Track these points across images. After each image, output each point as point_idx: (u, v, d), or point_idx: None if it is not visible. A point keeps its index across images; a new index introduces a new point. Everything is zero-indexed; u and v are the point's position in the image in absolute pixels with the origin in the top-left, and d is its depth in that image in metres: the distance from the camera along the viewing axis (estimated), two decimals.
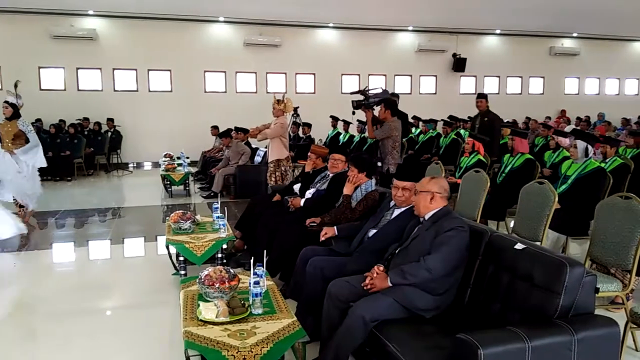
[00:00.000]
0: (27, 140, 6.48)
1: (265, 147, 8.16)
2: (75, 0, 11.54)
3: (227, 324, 2.48)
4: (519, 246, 2.49)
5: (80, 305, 4.08)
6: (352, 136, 10.97)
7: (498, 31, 15.19)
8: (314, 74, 14.07)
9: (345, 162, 4.68)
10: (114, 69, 12.67)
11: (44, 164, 6.62)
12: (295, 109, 10.66)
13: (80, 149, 11.21)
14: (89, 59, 12.41)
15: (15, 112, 6.46)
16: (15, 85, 6.61)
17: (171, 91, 13.12)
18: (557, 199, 3.90)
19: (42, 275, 5.00)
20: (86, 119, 12.21)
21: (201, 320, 2.50)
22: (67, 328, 3.61)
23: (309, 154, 5.38)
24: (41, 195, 6.87)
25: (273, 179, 6.81)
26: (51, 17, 11.86)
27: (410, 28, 14.49)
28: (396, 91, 13.17)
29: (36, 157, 6.53)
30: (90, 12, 12.13)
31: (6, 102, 6.45)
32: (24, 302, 4.27)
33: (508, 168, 5.63)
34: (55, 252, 5.79)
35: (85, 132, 11.94)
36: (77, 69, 12.48)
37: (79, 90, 12.54)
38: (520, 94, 16.10)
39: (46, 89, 12.34)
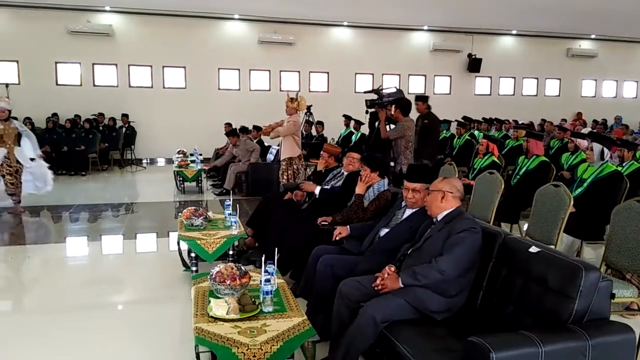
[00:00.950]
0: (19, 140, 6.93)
1: (278, 145, 8.17)
2: None
3: (237, 321, 2.48)
4: (533, 249, 2.45)
5: (91, 299, 4.11)
6: (363, 135, 10.94)
7: (514, 32, 15.05)
8: (327, 73, 14.06)
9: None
10: (129, 65, 12.77)
11: (34, 154, 7.16)
12: (309, 108, 10.65)
13: (95, 144, 11.32)
14: (105, 55, 12.53)
15: (9, 114, 6.90)
16: (6, 86, 6.88)
17: (185, 88, 13.19)
18: (572, 203, 3.84)
19: (55, 268, 5.06)
20: (101, 115, 12.32)
21: (212, 317, 2.51)
22: (79, 321, 3.64)
23: (321, 152, 5.37)
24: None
25: (285, 177, 6.81)
26: (68, 12, 11.99)
27: (425, 28, 14.41)
28: (410, 91, 13.12)
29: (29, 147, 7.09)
30: (107, 8, 12.23)
31: (3, 106, 6.80)
32: (37, 294, 4.31)
33: (523, 170, 5.57)
34: (69, 246, 5.85)
35: (100, 128, 12.05)
36: (93, 64, 12.59)
37: (94, 85, 12.67)
38: (536, 95, 15.93)
39: (62, 84, 12.48)
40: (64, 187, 9.46)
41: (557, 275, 2.25)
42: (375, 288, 2.70)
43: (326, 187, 4.74)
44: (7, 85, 6.91)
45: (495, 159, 5.99)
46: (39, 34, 12.02)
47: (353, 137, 10.81)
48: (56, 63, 12.37)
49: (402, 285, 2.64)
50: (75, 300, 4.09)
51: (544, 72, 15.76)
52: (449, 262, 2.57)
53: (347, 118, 11.17)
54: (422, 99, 6.72)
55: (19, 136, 6.89)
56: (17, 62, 12.08)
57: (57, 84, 12.43)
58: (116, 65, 12.70)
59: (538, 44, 15.34)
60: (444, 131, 10.09)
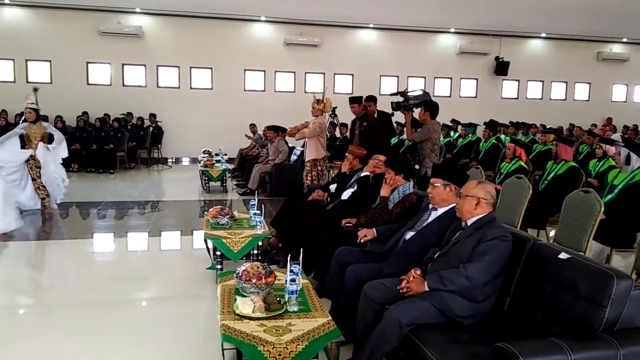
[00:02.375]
0: (50, 139, 6.98)
1: (302, 147, 8.20)
2: None
3: (263, 319, 2.50)
4: (563, 256, 2.41)
5: (117, 295, 4.18)
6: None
7: (543, 35, 14.80)
8: (352, 75, 14.05)
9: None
10: (157, 66, 13.00)
11: (66, 154, 7.28)
12: (333, 110, 10.67)
13: (123, 143, 11.54)
14: (134, 56, 12.78)
15: (38, 115, 6.92)
16: (35, 90, 6.98)
17: (212, 89, 13.35)
18: (603, 209, 3.77)
19: (82, 264, 5.17)
20: (130, 114, 12.57)
21: (238, 315, 2.54)
22: (104, 317, 3.70)
23: (346, 154, 5.39)
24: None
25: (309, 178, 6.84)
26: (99, 14, 12.26)
27: (452, 30, 14.28)
28: (435, 93, 13.03)
29: (62, 149, 7.15)
30: (137, 9, 12.47)
31: (30, 107, 6.83)
32: (64, 289, 4.38)
33: (551, 175, 5.47)
34: (96, 242, 5.98)
35: (129, 127, 12.28)
36: (123, 64, 12.85)
37: (124, 85, 12.93)
38: (565, 99, 15.63)
39: (93, 84, 12.77)
40: (92, 184, 9.69)
41: (588, 283, 2.21)
42: (401, 291, 2.69)
43: (345, 197, 4.76)
44: (35, 89, 7.01)
45: (523, 164, 5.89)
46: (71, 34, 12.33)
47: None
48: (87, 63, 12.67)
49: (427, 289, 2.63)
50: (100, 295, 4.17)
51: (574, 75, 15.46)
52: (477, 269, 2.54)
53: None
54: (355, 100, 6.50)
55: (50, 137, 6.98)
56: (50, 62, 12.42)
57: (87, 84, 12.72)
58: (145, 65, 12.94)
59: (567, 47, 15.05)
60: (470, 134, 9.98)
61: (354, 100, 6.54)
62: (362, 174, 4.87)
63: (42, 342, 3.30)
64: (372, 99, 6.69)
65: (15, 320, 3.80)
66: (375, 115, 6.68)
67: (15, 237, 5.72)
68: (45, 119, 7.78)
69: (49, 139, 6.97)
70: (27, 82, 12.10)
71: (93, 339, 3.32)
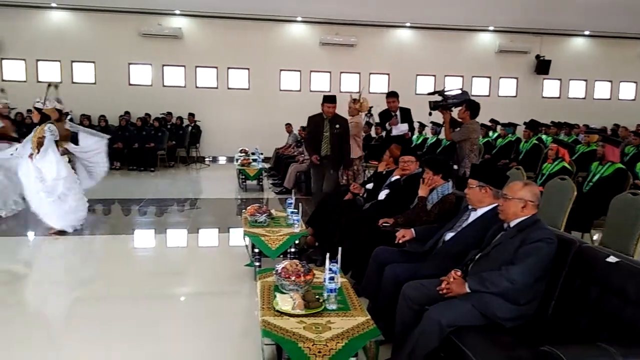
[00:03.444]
0: (74, 140, 6.33)
1: None
2: (164, 0, 12.22)
3: (302, 316, 2.52)
4: (611, 259, 2.33)
5: (156, 290, 4.28)
6: (425, 138, 10.79)
7: (587, 32, 14.31)
8: (388, 74, 13.96)
9: (416, 162, 4.63)
10: (196, 67, 13.25)
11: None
12: (369, 109, 10.62)
13: (163, 142, 11.83)
14: (174, 57, 13.06)
15: (60, 114, 6.22)
16: (56, 87, 6.60)
17: (248, 89, 13.51)
18: None
19: (123, 259, 5.31)
20: (169, 114, 12.86)
21: (277, 311, 2.56)
22: (144, 311, 3.80)
23: (385, 153, 5.36)
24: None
25: (345, 178, 6.84)
26: (141, 16, 12.59)
27: (491, 28, 13.99)
28: (473, 93, 12.78)
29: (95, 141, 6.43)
30: (177, 11, 12.75)
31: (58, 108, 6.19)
32: (104, 283, 4.50)
33: (596, 177, 5.30)
34: (137, 238, 6.15)
35: (168, 126, 12.57)
36: (163, 65, 13.17)
37: (164, 86, 13.24)
38: (609, 99, 15.08)
39: (134, 84, 13.14)
40: (134, 182, 9.98)
41: (638, 287, 2.14)
42: (440, 292, 2.66)
43: (382, 197, 4.75)
44: (55, 85, 6.46)
45: (566, 165, 5.72)
46: (114, 36, 12.72)
47: (414, 139, 10.65)
48: (129, 64, 13.04)
49: (468, 291, 2.59)
50: (141, 290, 4.28)
51: (619, 74, 14.88)
52: (520, 272, 2.48)
53: None
54: (328, 99, 6.06)
55: (73, 137, 6.40)
56: (94, 63, 12.85)
57: (129, 84, 13.10)
58: (184, 66, 13.21)
59: (612, 45, 14.51)
60: (509, 135, 9.76)
61: (330, 100, 6.08)
62: (393, 178, 4.84)
63: (81, 333, 3.41)
64: (394, 94, 6.63)
65: (59, 313, 3.96)
66: (398, 111, 6.61)
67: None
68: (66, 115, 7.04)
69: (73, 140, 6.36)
70: (73, 82, 12.58)
71: (131, 333, 3.40)
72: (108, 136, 6.59)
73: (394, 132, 6.52)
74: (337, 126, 6.13)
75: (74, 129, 6.56)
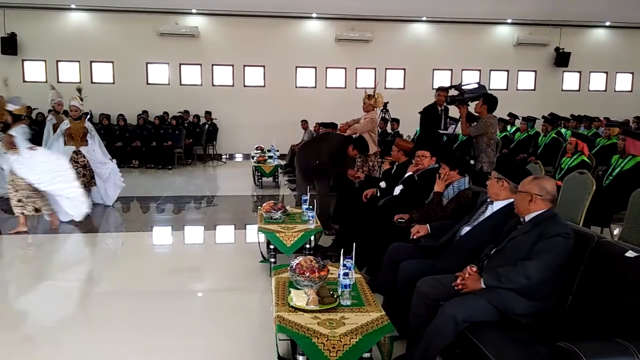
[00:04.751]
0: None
1: None
2: (180, 0, 12.32)
3: (316, 312, 2.53)
4: (630, 254, 2.29)
5: (173, 286, 4.33)
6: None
7: (607, 23, 14.01)
8: (404, 69, 13.87)
9: (431, 157, 4.60)
10: (212, 65, 13.33)
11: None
12: (385, 105, 10.57)
13: (181, 140, 11.93)
14: (190, 55, 13.17)
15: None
16: (79, 90, 7.03)
17: (264, 86, 13.56)
18: None
19: (141, 255, 5.39)
20: (186, 112, 12.97)
21: (292, 307, 2.58)
22: (161, 306, 3.84)
23: (393, 148, 5.36)
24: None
25: (365, 169, 6.82)
26: (158, 15, 12.70)
27: (509, 21, 13.79)
28: (491, 86, 12.64)
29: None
30: (194, 10, 12.84)
31: (74, 105, 6.85)
32: (123, 279, 4.56)
33: (617, 170, 5.20)
34: (155, 235, 6.22)
35: (185, 124, 12.68)
36: (180, 64, 13.28)
37: (181, 84, 13.36)
38: (631, 91, 14.75)
39: (152, 83, 13.28)
40: (152, 180, 10.11)
41: None
42: (456, 287, 2.64)
43: (397, 192, 4.73)
44: (79, 90, 7.07)
45: (586, 159, 5.63)
46: (132, 36, 12.87)
47: None
48: (147, 64, 13.18)
49: (483, 286, 2.57)
50: (158, 286, 4.33)
51: None
52: (537, 267, 2.45)
53: None
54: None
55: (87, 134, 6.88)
56: (112, 63, 13.02)
57: (147, 83, 13.24)
58: (201, 65, 13.30)
59: (634, 35, 14.18)
60: (528, 129, 9.62)
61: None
62: (406, 175, 4.81)
63: (99, 329, 3.48)
64: (445, 89, 6.62)
65: (79, 309, 4.03)
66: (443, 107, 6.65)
67: (79, 228, 6.04)
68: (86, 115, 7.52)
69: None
70: (92, 82, 12.77)
71: (148, 328, 3.45)
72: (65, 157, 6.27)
73: (450, 131, 6.60)
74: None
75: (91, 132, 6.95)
